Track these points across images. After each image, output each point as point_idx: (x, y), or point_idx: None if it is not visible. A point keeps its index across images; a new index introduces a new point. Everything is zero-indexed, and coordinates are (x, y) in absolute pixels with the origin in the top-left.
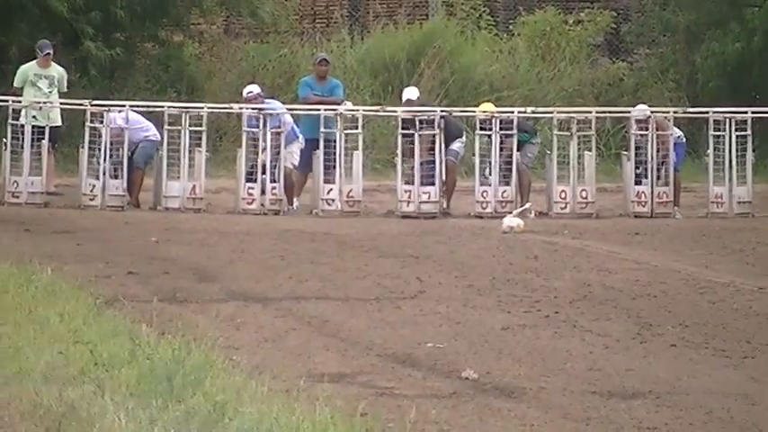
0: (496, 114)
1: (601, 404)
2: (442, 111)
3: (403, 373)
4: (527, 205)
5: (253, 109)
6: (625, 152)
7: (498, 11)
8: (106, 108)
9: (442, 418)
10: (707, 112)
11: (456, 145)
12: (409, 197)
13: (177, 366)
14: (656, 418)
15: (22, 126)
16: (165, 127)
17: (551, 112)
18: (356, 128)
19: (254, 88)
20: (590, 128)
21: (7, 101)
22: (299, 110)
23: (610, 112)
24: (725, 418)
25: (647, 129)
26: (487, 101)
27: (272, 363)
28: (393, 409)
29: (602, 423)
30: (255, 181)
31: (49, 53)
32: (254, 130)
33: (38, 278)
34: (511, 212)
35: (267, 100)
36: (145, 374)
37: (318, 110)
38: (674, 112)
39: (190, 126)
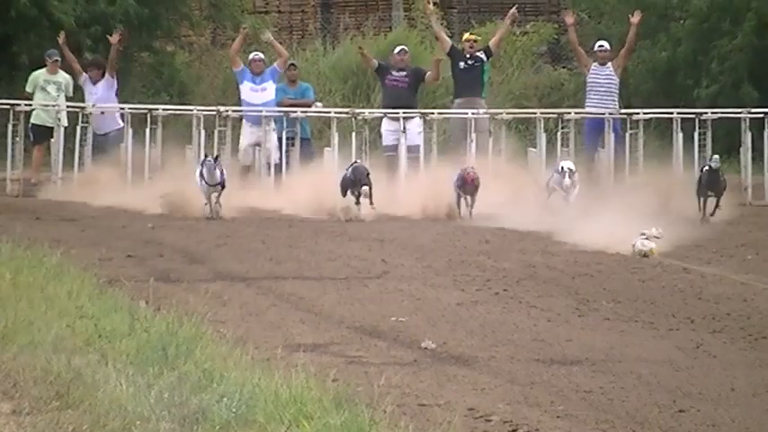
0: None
1: (544, 370)
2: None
3: (370, 344)
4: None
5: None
6: (565, 148)
7: (454, 23)
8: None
9: (404, 383)
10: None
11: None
12: None
13: (171, 338)
14: (592, 383)
15: (35, 126)
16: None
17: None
18: (329, 128)
19: (260, 53)
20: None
21: (20, 104)
22: (276, 112)
23: (552, 113)
24: (653, 383)
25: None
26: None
27: (254, 335)
28: (361, 375)
29: (544, 387)
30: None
31: (57, 60)
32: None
33: (48, 261)
34: (643, 234)
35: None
36: (142, 345)
37: (295, 111)
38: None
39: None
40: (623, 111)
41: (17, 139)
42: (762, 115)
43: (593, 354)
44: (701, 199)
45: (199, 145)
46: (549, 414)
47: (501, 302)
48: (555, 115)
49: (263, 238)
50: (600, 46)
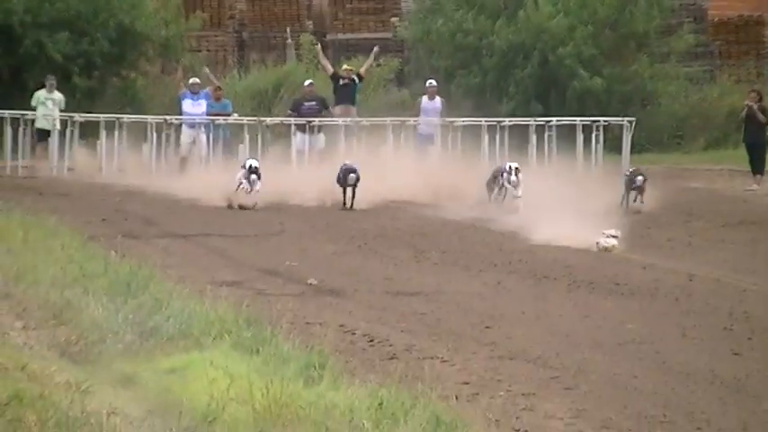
0: (354, 70)
1: (392, 300)
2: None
3: (271, 281)
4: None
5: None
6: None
7: (329, 59)
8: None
9: (295, 308)
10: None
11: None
12: None
13: (132, 277)
14: (425, 308)
15: (38, 129)
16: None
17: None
18: (242, 131)
19: (197, 79)
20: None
21: (27, 114)
22: (206, 120)
23: (397, 121)
24: (467, 308)
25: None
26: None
27: (191, 275)
28: (266, 303)
29: (392, 311)
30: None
31: (53, 83)
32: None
33: (47, 223)
34: (604, 233)
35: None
36: (113, 282)
37: (217, 118)
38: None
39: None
40: (447, 120)
41: (25, 138)
42: (544, 123)
43: (425, 288)
44: (626, 195)
45: (152, 143)
46: (395, 329)
47: (361, 252)
48: (399, 123)
49: (197, 208)
50: (430, 83)
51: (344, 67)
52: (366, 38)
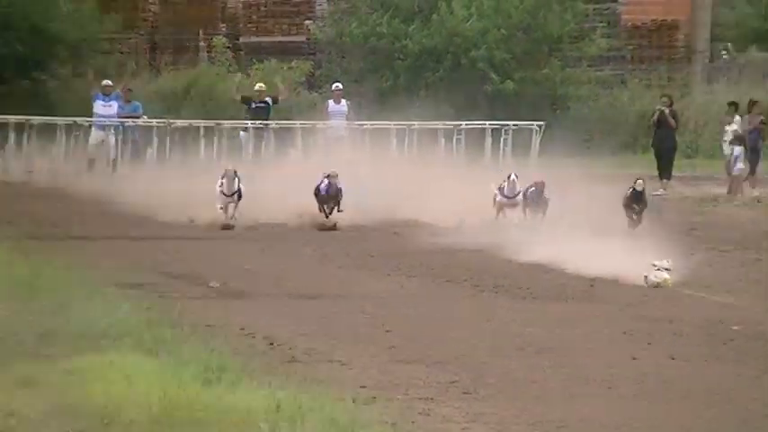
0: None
1: (294, 302)
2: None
3: (174, 284)
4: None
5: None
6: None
7: (241, 61)
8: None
9: (197, 310)
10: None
11: None
12: None
13: (35, 278)
14: (325, 311)
15: None
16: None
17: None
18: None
19: (110, 81)
20: None
21: None
22: (115, 121)
23: (308, 124)
24: (368, 311)
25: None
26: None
27: (94, 277)
28: (168, 305)
29: (292, 314)
30: None
31: None
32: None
33: None
34: (654, 265)
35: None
36: (14, 284)
37: (126, 120)
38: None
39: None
40: (355, 123)
41: None
42: (452, 126)
43: (328, 290)
44: (629, 213)
45: (62, 144)
46: (293, 332)
47: (264, 254)
48: (310, 125)
49: (101, 210)
50: (336, 86)
51: (257, 86)
52: (280, 41)
